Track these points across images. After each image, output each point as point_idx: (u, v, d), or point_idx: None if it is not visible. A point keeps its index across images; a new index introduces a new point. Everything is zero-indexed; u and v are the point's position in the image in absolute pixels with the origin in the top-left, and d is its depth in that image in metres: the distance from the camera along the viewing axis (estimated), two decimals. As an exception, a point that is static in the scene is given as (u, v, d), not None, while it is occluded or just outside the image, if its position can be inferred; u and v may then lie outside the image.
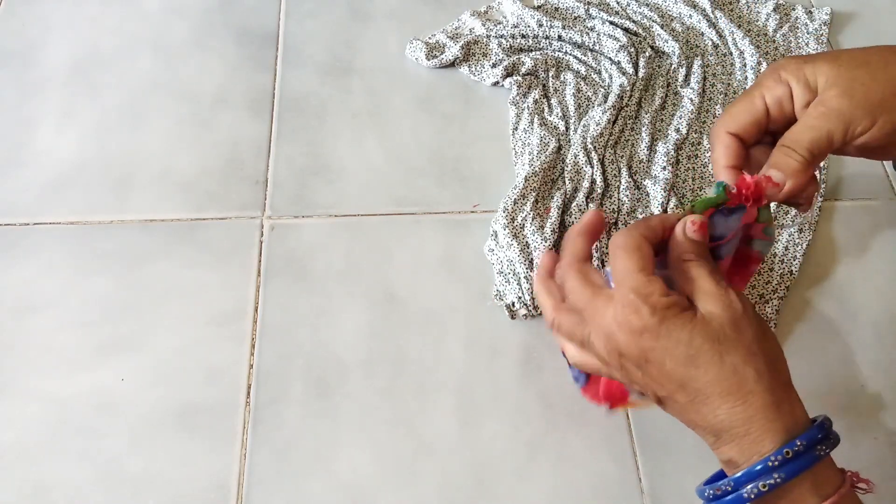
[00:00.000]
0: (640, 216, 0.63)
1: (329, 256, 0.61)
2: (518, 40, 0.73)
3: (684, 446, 0.53)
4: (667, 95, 0.70)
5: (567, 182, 0.64)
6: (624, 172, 0.64)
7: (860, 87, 0.39)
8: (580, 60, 0.72)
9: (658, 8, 0.77)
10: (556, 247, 0.60)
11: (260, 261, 0.60)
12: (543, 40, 0.73)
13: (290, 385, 0.55)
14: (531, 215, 0.60)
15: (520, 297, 0.58)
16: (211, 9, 0.76)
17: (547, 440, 0.53)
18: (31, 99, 0.69)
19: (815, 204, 0.64)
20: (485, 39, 0.73)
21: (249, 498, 0.51)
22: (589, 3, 0.76)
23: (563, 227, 0.61)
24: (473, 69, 0.71)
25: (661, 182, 0.64)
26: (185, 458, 0.52)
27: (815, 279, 0.61)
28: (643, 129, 0.68)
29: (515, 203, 0.61)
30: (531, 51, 0.73)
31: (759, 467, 0.35)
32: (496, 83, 0.71)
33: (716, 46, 0.74)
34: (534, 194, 0.62)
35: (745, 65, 0.72)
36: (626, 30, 0.74)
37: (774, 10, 0.77)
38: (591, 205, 0.62)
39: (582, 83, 0.70)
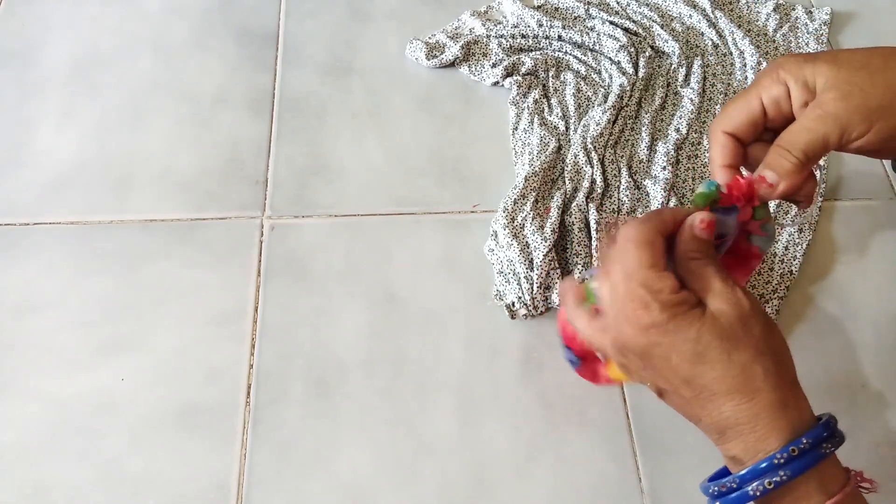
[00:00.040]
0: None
1: (329, 256, 0.61)
2: (518, 40, 0.73)
3: (684, 446, 0.53)
4: (667, 95, 0.70)
5: (567, 182, 0.63)
6: (624, 172, 0.64)
7: (858, 91, 0.39)
8: (580, 60, 0.72)
9: (658, 8, 0.77)
10: (556, 247, 0.60)
11: (260, 261, 0.60)
12: (543, 40, 0.73)
13: (290, 385, 0.55)
14: (531, 215, 0.60)
15: (520, 297, 0.58)
16: (211, 9, 0.76)
17: (547, 440, 0.53)
18: (31, 99, 0.69)
19: (815, 203, 0.64)
20: (485, 39, 0.73)
21: (249, 498, 0.51)
22: (589, 3, 0.76)
23: (563, 227, 0.61)
24: (473, 69, 0.71)
25: (661, 182, 0.64)
26: (185, 458, 0.52)
27: (815, 279, 0.61)
28: (643, 129, 0.68)
29: (515, 203, 0.61)
30: (531, 51, 0.73)
31: (764, 465, 0.35)
32: (496, 83, 0.71)
33: (716, 46, 0.74)
34: (534, 194, 0.62)
35: (745, 65, 0.72)
36: (626, 30, 0.74)
37: (774, 9, 0.76)
38: (590, 205, 0.62)
39: (582, 83, 0.70)
